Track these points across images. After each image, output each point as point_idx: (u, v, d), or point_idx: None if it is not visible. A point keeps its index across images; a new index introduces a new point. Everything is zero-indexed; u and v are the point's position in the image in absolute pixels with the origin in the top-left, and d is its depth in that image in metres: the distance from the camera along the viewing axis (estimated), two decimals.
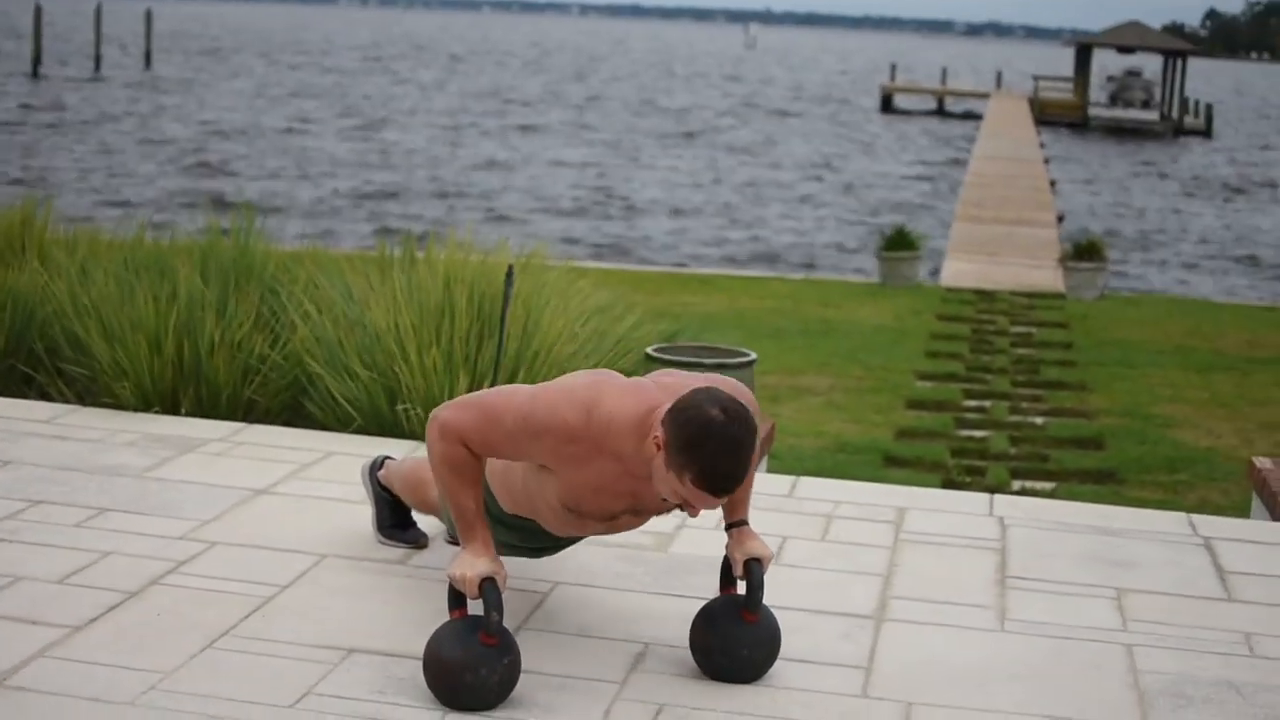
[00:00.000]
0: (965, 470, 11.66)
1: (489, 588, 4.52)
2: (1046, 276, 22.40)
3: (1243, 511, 9.85)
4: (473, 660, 4.48)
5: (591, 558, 5.71)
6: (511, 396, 4.52)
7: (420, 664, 4.60)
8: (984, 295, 20.61)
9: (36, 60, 69.50)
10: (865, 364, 15.46)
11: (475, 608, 4.64)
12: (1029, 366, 15.94)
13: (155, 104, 56.50)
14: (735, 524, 4.86)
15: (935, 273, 23.10)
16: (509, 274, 7.44)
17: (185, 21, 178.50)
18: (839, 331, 17.37)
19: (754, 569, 4.79)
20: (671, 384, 4.50)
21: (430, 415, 4.61)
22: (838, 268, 26.76)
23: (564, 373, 7.59)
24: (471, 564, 4.54)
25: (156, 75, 73.11)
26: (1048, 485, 11.25)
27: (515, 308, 7.67)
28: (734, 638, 4.79)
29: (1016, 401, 14.31)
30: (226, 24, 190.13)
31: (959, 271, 22.64)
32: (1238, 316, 19.99)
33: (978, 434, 13.05)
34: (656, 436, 4.25)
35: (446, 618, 4.63)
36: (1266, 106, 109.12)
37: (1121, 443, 12.56)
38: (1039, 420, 13.56)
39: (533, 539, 4.96)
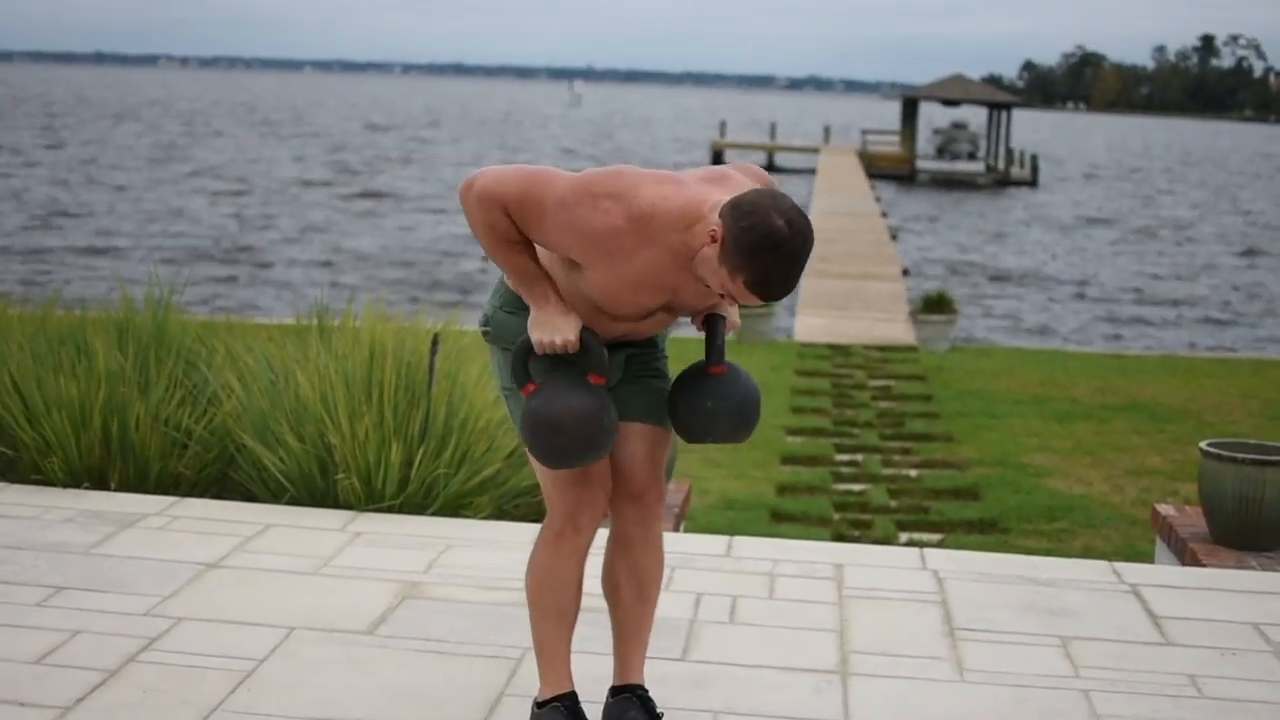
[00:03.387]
0: (852, 524, 11.87)
1: (587, 333, 4.50)
2: (898, 330, 22.77)
3: (1130, 556, 10.15)
4: (604, 400, 4.49)
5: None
6: (551, 180, 4.38)
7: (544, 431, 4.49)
8: (839, 350, 20.91)
9: None
10: None
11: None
12: (893, 419, 16.21)
13: None
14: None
15: (782, 327, 23.37)
16: (434, 343, 7.56)
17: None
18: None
19: (714, 322, 4.74)
20: (707, 176, 4.45)
21: (465, 183, 4.44)
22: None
23: (492, 440, 7.73)
24: (554, 323, 4.48)
25: None
26: (934, 536, 11.48)
27: (440, 375, 7.77)
28: (696, 390, 4.73)
29: (888, 454, 14.57)
30: (62, 85, 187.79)
31: (811, 326, 22.94)
32: (1086, 365, 20.45)
33: (855, 488, 13.27)
34: (714, 230, 4.20)
35: (426, 683, 4.64)
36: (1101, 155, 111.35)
37: (998, 493, 12.83)
38: (913, 473, 13.81)
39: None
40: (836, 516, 12.15)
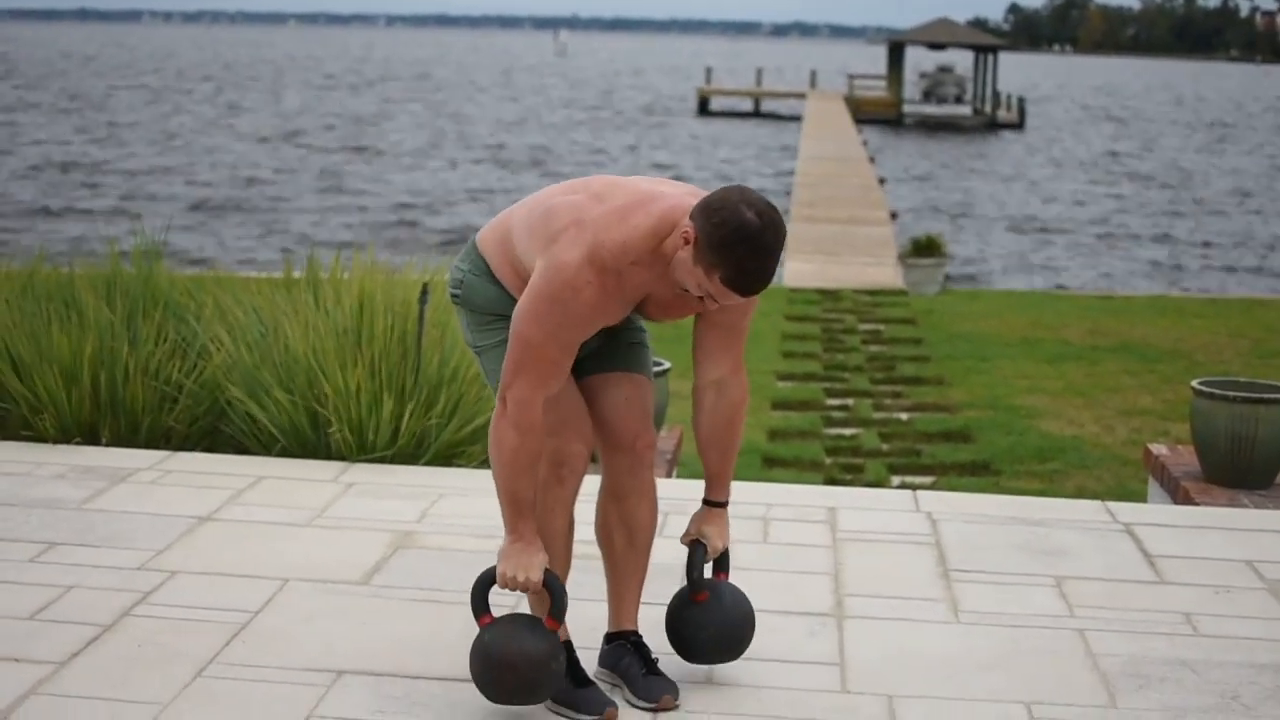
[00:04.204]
0: (844, 469, 11.88)
1: (551, 577, 4.56)
2: (887, 273, 22.76)
3: (1122, 496, 10.16)
4: (554, 648, 4.55)
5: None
6: (529, 318, 4.42)
7: (489, 671, 4.57)
8: (828, 294, 20.89)
9: None
10: None
11: (496, 611, 4.74)
12: (884, 363, 16.21)
13: None
14: (710, 502, 4.95)
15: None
16: (423, 292, 7.54)
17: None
18: (689, 335, 17.54)
19: (693, 550, 4.88)
20: (657, 191, 4.52)
21: (493, 418, 4.52)
22: None
23: (484, 386, 7.71)
24: (526, 561, 4.54)
25: None
26: (926, 479, 11.48)
27: (430, 325, 7.75)
28: (684, 620, 4.89)
29: (879, 398, 14.56)
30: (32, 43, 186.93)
31: (800, 271, 22.91)
32: (1076, 306, 20.45)
33: (847, 432, 13.27)
34: (686, 231, 4.27)
35: (424, 633, 4.66)
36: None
37: (989, 435, 12.84)
38: (904, 416, 13.81)
39: None
40: (828, 461, 12.15)
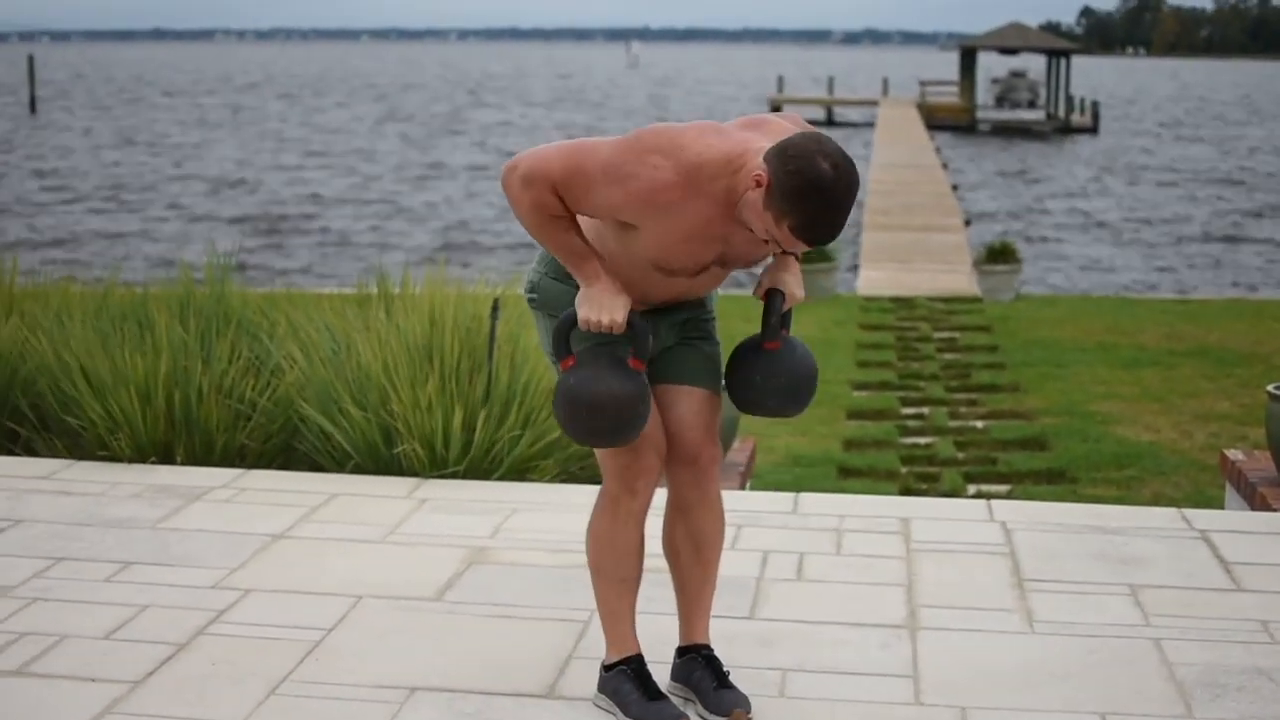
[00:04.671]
0: (920, 478, 11.83)
1: (635, 316, 4.48)
2: (961, 281, 22.67)
3: (1199, 503, 10.08)
4: (641, 387, 4.48)
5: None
6: (594, 148, 4.36)
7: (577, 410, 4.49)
8: (902, 302, 20.82)
9: None
10: None
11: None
12: (959, 371, 16.13)
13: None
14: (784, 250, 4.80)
15: (849, 273, 23.33)
16: (494, 308, 7.56)
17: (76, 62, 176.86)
18: None
19: (772, 297, 4.72)
20: (748, 123, 4.45)
21: (505, 168, 4.43)
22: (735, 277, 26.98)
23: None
24: (603, 302, 4.46)
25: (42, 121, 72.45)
26: (1002, 488, 11.43)
27: (501, 340, 7.77)
28: (748, 364, 4.75)
29: (954, 406, 14.50)
30: (110, 63, 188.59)
31: (874, 280, 22.87)
32: (1152, 311, 20.30)
33: (923, 441, 13.22)
34: (758, 174, 4.18)
35: (497, 649, 4.65)
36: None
37: (1065, 442, 12.76)
38: (979, 424, 13.74)
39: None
40: (904, 470, 12.11)
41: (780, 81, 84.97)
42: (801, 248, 4.26)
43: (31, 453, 8.11)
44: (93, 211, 37.97)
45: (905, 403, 14.74)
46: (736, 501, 6.92)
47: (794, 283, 4.75)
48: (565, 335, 4.56)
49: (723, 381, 4.84)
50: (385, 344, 7.72)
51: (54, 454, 8.00)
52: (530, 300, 4.79)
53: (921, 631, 5.49)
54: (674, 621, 5.01)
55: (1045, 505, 7.20)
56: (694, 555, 4.86)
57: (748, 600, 5.77)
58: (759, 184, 4.18)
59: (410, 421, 7.48)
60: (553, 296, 4.72)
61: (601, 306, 4.46)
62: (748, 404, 4.77)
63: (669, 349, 4.76)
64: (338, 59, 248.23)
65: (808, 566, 6.17)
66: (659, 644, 5.04)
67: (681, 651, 4.94)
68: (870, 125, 65.91)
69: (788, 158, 4.14)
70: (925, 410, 14.39)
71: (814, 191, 4.11)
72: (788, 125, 4.46)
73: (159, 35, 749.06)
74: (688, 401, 4.77)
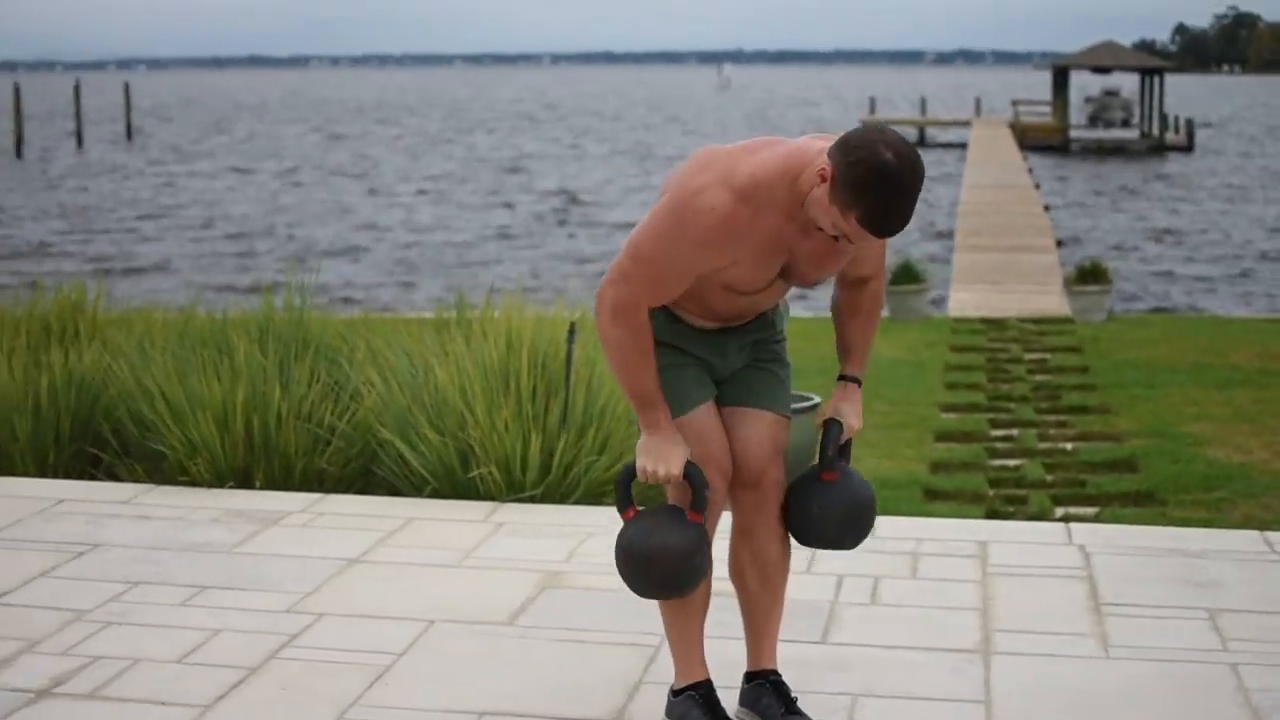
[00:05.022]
0: (1007, 500, 11.73)
1: (691, 468, 4.51)
2: (1052, 301, 22.49)
3: None
4: (698, 540, 4.51)
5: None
6: (650, 228, 4.39)
7: (635, 565, 4.54)
8: (993, 324, 20.67)
9: (20, 140, 69.77)
10: (888, 399, 15.52)
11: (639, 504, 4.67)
12: (1049, 392, 15.99)
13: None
14: (847, 377, 4.84)
15: (937, 301, 23.21)
16: (570, 331, 7.55)
17: (174, 89, 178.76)
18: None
19: (829, 427, 4.76)
20: (794, 140, 4.45)
21: (597, 298, 4.48)
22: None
23: (632, 424, 7.71)
24: (663, 453, 4.50)
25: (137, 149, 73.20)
26: (1090, 510, 11.31)
27: (578, 363, 7.77)
28: (805, 494, 4.75)
29: (1044, 428, 14.36)
30: (203, 90, 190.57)
31: (965, 301, 22.73)
32: (1246, 331, 20.07)
33: (1011, 463, 13.09)
34: (822, 169, 4.19)
35: (568, 674, 4.64)
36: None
37: (1155, 463, 12.61)
38: (1069, 446, 13.60)
39: (683, 346, 4.72)
40: (991, 493, 11.99)
41: (872, 102, 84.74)
42: (869, 240, 4.24)
43: (113, 478, 8.18)
44: (192, 239, 38.31)
45: (994, 425, 14.60)
46: None
47: (852, 413, 4.82)
48: (626, 486, 4.62)
49: (790, 408, 4.83)
50: (462, 368, 7.73)
51: (135, 479, 8.06)
52: (596, 303, 4.78)
53: (995, 656, 5.44)
54: (743, 646, 4.98)
55: (1125, 528, 7.13)
56: (759, 580, 4.83)
57: (820, 625, 5.74)
58: (823, 178, 4.18)
59: (487, 445, 7.49)
60: None
61: (659, 457, 4.51)
62: (805, 534, 4.80)
63: (738, 372, 4.75)
64: (434, 84, 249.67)
65: (882, 590, 6.13)
66: (728, 669, 5.02)
67: (749, 677, 4.92)
68: (963, 146, 65.59)
69: (850, 148, 4.14)
70: (1014, 432, 14.25)
71: (879, 179, 4.09)
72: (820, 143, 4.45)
73: (255, 62, 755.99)
74: (754, 425, 4.75)
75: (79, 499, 7.55)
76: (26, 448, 8.13)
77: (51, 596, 6.10)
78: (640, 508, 4.62)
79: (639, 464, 4.54)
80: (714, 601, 4.96)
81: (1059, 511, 11.29)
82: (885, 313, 22.01)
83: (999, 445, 13.73)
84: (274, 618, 5.84)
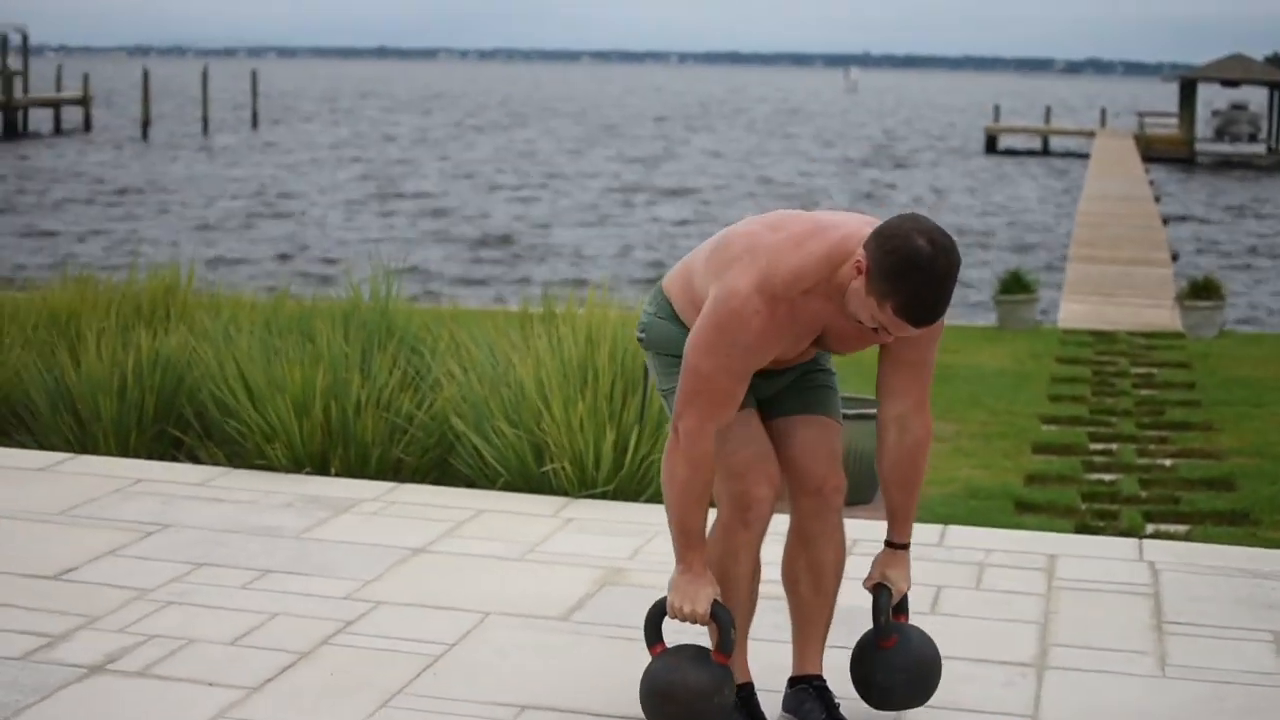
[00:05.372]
0: (1098, 515, 11.60)
1: (719, 609, 4.53)
2: (1164, 316, 22.26)
3: None
4: (718, 681, 4.52)
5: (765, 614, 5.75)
6: (699, 348, 4.41)
7: (654, 699, 4.57)
8: (1102, 336, 20.48)
9: (146, 124, 70.69)
10: (989, 409, 15.41)
11: (670, 640, 4.72)
12: (1153, 408, 15.80)
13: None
14: (892, 544, 4.85)
15: (1046, 312, 23.04)
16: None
17: (297, 78, 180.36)
18: (960, 377, 17.32)
19: (878, 595, 4.78)
20: (833, 220, 4.46)
21: (669, 439, 4.52)
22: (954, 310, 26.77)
23: None
24: (694, 592, 4.53)
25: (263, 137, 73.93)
26: (1181, 528, 11.17)
27: None
28: (875, 667, 4.81)
29: (1143, 444, 14.20)
30: (322, 78, 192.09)
31: (1075, 313, 22.54)
32: None
33: (1107, 477, 12.96)
34: (859, 261, 4.21)
35: (614, 671, 4.65)
36: None
37: (1253, 483, 12.43)
38: (1167, 462, 13.44)
39: None
40: (1083, 506, 11.88)
41: (996, 110, 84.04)
42: (907, 331, 4.23)
43: (194, 460, 8.25)
44: (311, 225, 38.62)
45: (1094, 438, 14.46)
46: (879, 532, 6.83)
47: (899, 577, 4.82)
48: (655, 622, 4.66)
49: (841, 415, 4.83)
50: (542, 362, 7.74)
51: (214, 462, 8.13)
52: (640, 339, 4.85)
53: (1049, 671, 5.38)
54: (788, 650, 4.96)
55: (1199, 546, 7.03)
56: (813, 586, 4.82)
57: (860, 631, 5.68)
58: (859, 271, 4.21)
59: (561, 440, 7.50)
60: (660, 335, 4.78)
61: (687, 596, 4.54)
62: (873, 703, 4.85)
63: (786, 386, 4.74)
64: (563, 80, 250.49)
65: (944, 600, 6.08)
66: (772, 673, 4.99)
67: (793, 681, 4.90)
68: (1086, 156, 65.01)
69: (884, 238, 4.17)
70: (1114, 447, 14.10)
71: (913, 269, 4.11)
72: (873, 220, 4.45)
73: (382, 53, 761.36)
74: (809, 430, 4.74)
75: (156, 479, 7.63)
76: (110, 427, 8.22)
77: (117, 574, 6.17)
78: (668, 645, 4.66)
79: (669, 600, 4.58)
80: (763, 604, 4.95)
81: (1150, 528, 11.17)
82: (993, 320, 21.88)
83: (1096, 459, 13.60)
84: (332, 604, 5.87)
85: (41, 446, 8.39)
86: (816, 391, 4.77)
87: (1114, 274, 26.44)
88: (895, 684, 4.81)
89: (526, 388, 7.67)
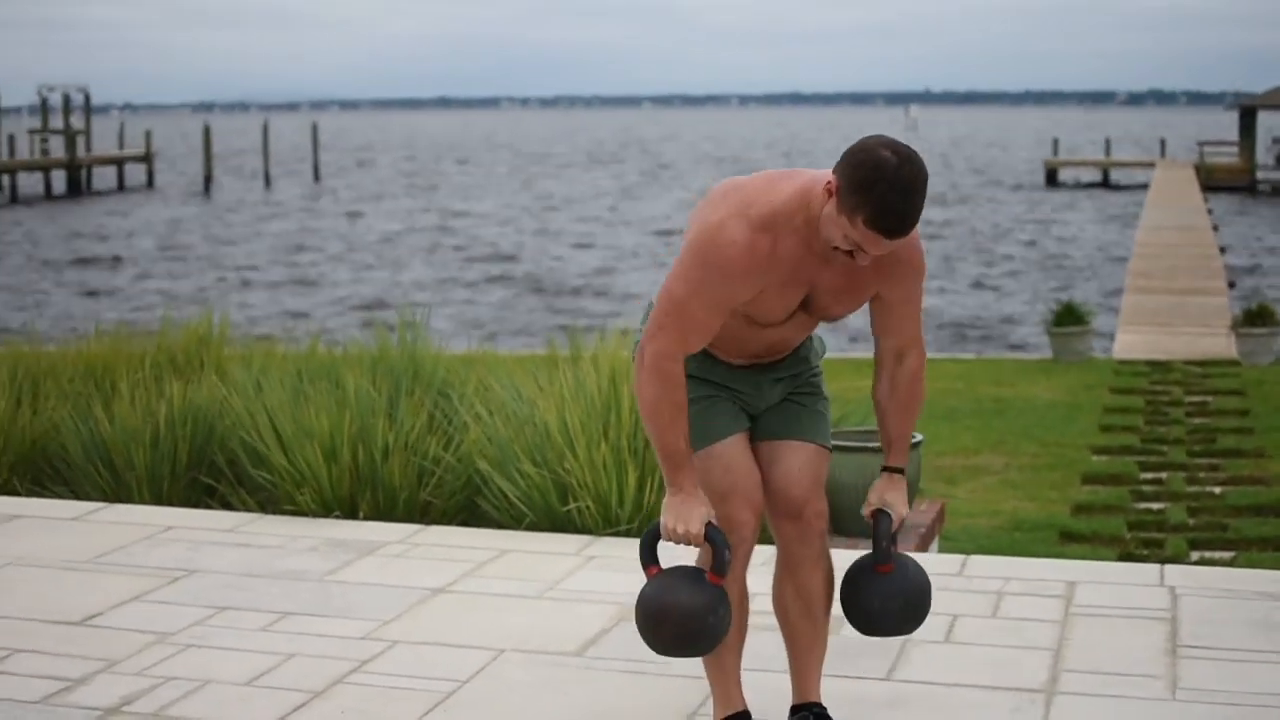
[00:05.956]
0: (1143, 543, 11.56)
1: (713, 530, 4.53)
2: (1219, 344, 22.15)
3: None
4: (712, 601, 4.52)
5: (763, 644, 5.77)
6: (678, 271, 4.47)
7: (647, 622, 4.57)
8: (1157, 366, 20.40)
9: (208, 179, 71.34)
10: (1040, 441, 15.39)
11: (665, 562, 4.71)
12: (1205, 435, 15.74)
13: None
14: (889, 468, 4.83)
15: (1101, 338, 22.94)
16: None
17: (364, 131, 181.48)
18: (1012, 409, 17.30)
19: (880, 520, 4.76)
20: (801, 169, 4.55)
21: (636, 356, 4.56)
22: (1005, 338, 26.67)
23: None
24: (686, 513, 4.53)
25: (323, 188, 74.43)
26: (1227, 555, 11.12)
27: None
28: (864, 589, 4.78)
29: (1193, 471, 14.15)
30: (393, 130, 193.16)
31: (1131, 343, 22.46)
32: None
33: (1155, 506, 12.92)
34: (829, 183, 4.28)
35: (624, 705, 4.68)
36: None
37: None
38: (1217, 490, 13.39)
39: (717, 380, 4.80)
40: (1128, 535, 11.84)
41: (1055, 143, 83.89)
42: (881, 245, 4.27)
43: (227, 507, 8.34)
44: (357, 278, 38.87)
45: (1144, 467, 14.42)
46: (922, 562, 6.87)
47: (899, 502, 4.81)
48: (650, 544, 4.66)
49: (830, 440, 4.85)
50: (565, 403, 7.80)
51: (246, 508, 8.21)
52: (634, 358, 4.84)
53: (1058, 696, 5.38)
54: (788, 678, 4.98)
55: (1219, 570, 7.02)
56: (803, 612, 4.84)
57: (887, 662, 5.71)
58: (829, 192, 4.28)
59: (585, 479, 7.54)
60: None
61: (680, 517, 4.55)
62: (867, 627, 4.83)
63: (775, 406, 4.77)
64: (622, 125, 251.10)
65: (959, 629, 6.09)
66: (776, 701, 5.01)
67: (794, 710, 4.91)
68: (1144, 188, 64.78)
69: (851, 154, 4.27)
70: (1164, 475, 14.06)
71: (879, 178, 4.18)
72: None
73: (444, 103, 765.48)
74: (793, 456, 4.77)
75: (185, 526, 7.72)
76: (144, 476, 8.32)
77: (140, 619, 6.25)
78: (663, 566, 4.65)
79: (663, 522, 4.59)
80: (764, 636, 4.97)
81: (1195, 555, 11.12)
82: (1047, 354, 21.81)
83: (1145, 488, 13.55)
84: (348, 644, 5.93)
85: (77, 497, 8.51)
86: (804, 414, 4.80)
87: (1170, 304, 26.33)
88: (890, 610, 4.76)
89: (550, 428, 7.73)
